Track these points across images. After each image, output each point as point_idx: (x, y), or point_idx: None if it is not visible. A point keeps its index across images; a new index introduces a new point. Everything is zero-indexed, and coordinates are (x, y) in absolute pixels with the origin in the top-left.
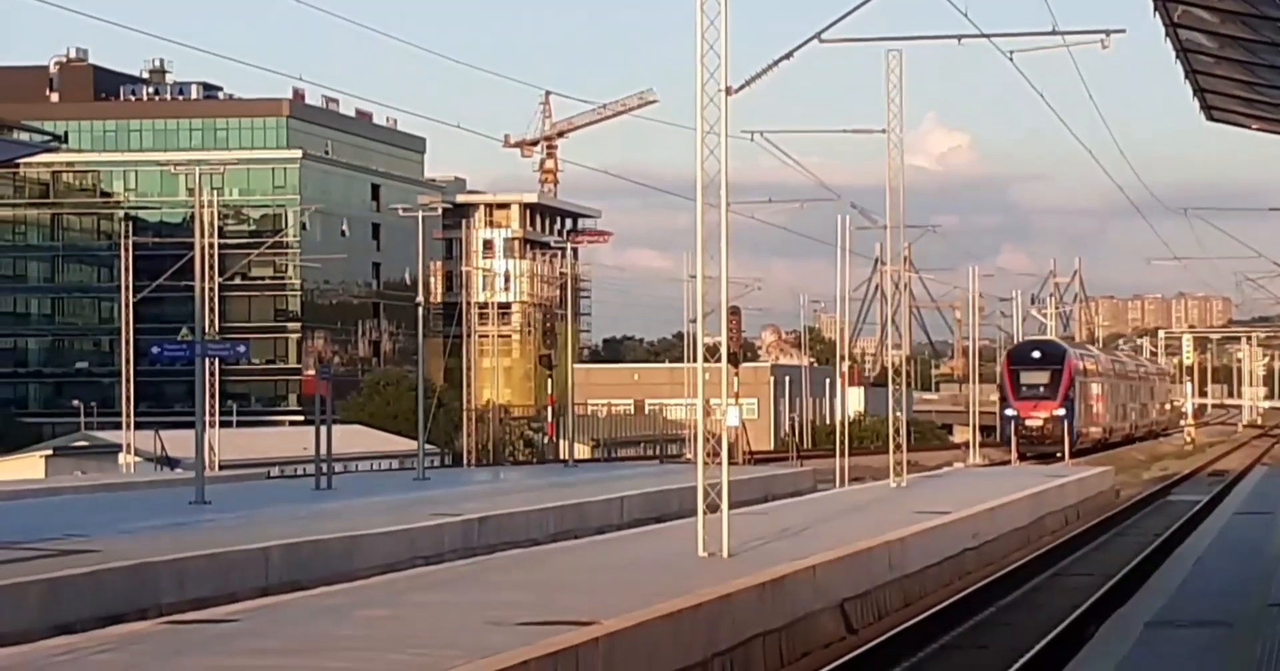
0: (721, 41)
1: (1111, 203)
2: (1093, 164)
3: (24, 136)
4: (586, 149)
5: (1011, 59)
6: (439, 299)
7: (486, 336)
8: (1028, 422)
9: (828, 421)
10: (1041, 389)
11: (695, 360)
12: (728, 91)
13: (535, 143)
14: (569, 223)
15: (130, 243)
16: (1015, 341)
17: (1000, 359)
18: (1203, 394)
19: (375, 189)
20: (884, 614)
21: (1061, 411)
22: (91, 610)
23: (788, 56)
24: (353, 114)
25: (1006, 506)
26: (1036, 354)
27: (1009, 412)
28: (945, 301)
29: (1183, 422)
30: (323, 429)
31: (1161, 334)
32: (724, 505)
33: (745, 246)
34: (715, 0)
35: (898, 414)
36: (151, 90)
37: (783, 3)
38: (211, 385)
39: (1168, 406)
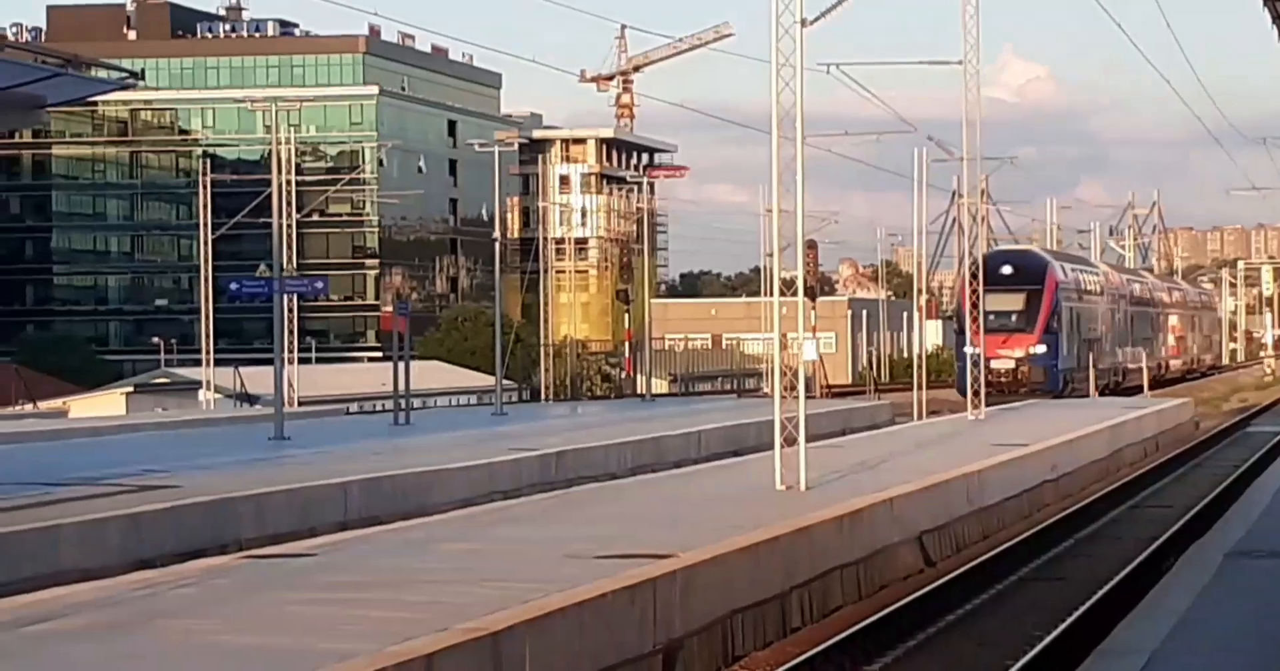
0: None
1: (1191, 133)
2: (1172, 95)
3: (101, 74)
4: (663, 83)
5: None
6: (516, 235)
7: (564, 272)
8: (994, 364)
9: (905, 355)
10: (1014, 317)
11: (772, 294)
12: (803, 23)
13: (611, 77)
14: (645, 157)
15: (208, 180)
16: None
17: (957, 277)
18: None
19: (452, 125)
20: (962, 546)
21: (1041, 348)
22: (172, 545)
23: None
24: (429, 50)
25: (1085, 438)
26: (1007, 269)
27: (969, 350)
28: (1023, 234)
29: (1263, 354)
30: (400, 365)
31: (1241, 264)
32: (801, 438)
33: (822, 180)
34: None
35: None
36: (228, 27)
37: None
38: (290, 322)
39: (1215, 340)
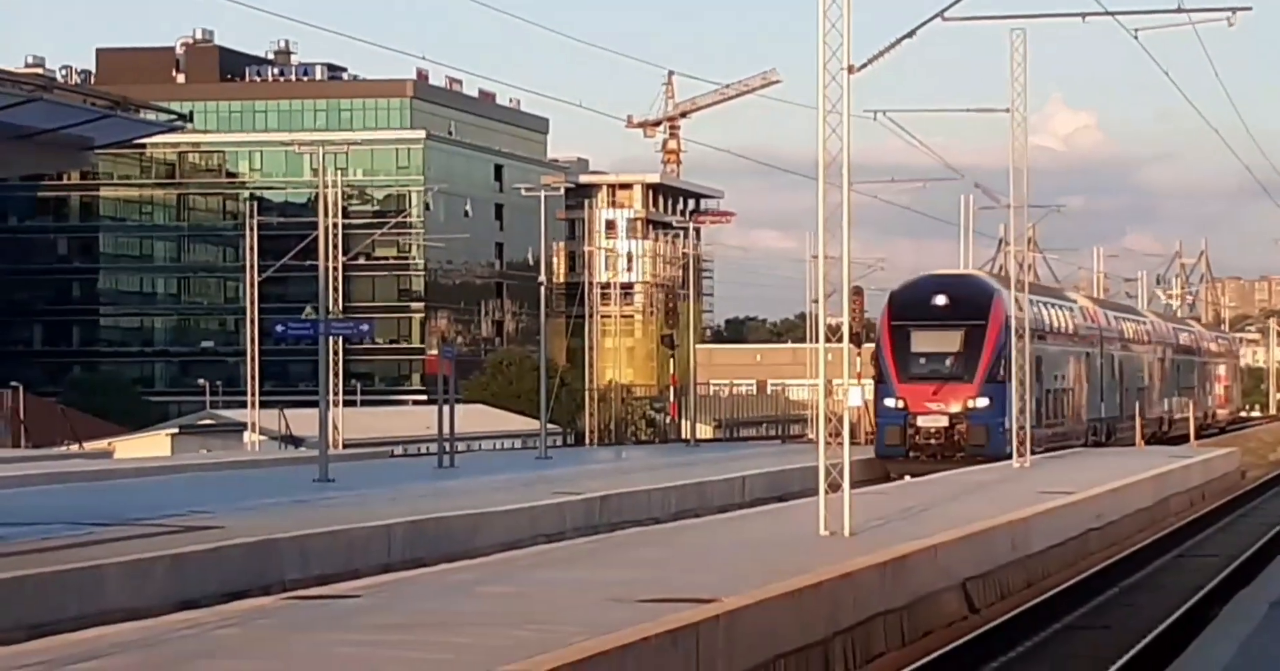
0: (844, 19)
1: (1239, 183)
2: (1220, 145)
3: (149, 116)
4: (709, 129)
5: (1136, 37)
6: (562, 279)
7: (609, 316)
8: (922, 421)
9: None
10: (947, 362)
11: (817, 340)
12: (850, 70)
13: (658, 123)
14: (692, 203)
15: (255, 222)
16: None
17: (883, 312)
18: None
19: (498, 169)
20: (1006, 594)
21: (982, 401)
22: (215, 586)
23: (910, 35)
24: (476, 94)
25: (1130, 487)
26: (940, 299)
27: (889, 404)
28: (1070, 282)
29: None
30: (445, 408)
31: None
32: (845, 484)
33: (868, 226)
34: None
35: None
36: (276, 71)
37: None
38: (335, 364)
39: (1235, 392)
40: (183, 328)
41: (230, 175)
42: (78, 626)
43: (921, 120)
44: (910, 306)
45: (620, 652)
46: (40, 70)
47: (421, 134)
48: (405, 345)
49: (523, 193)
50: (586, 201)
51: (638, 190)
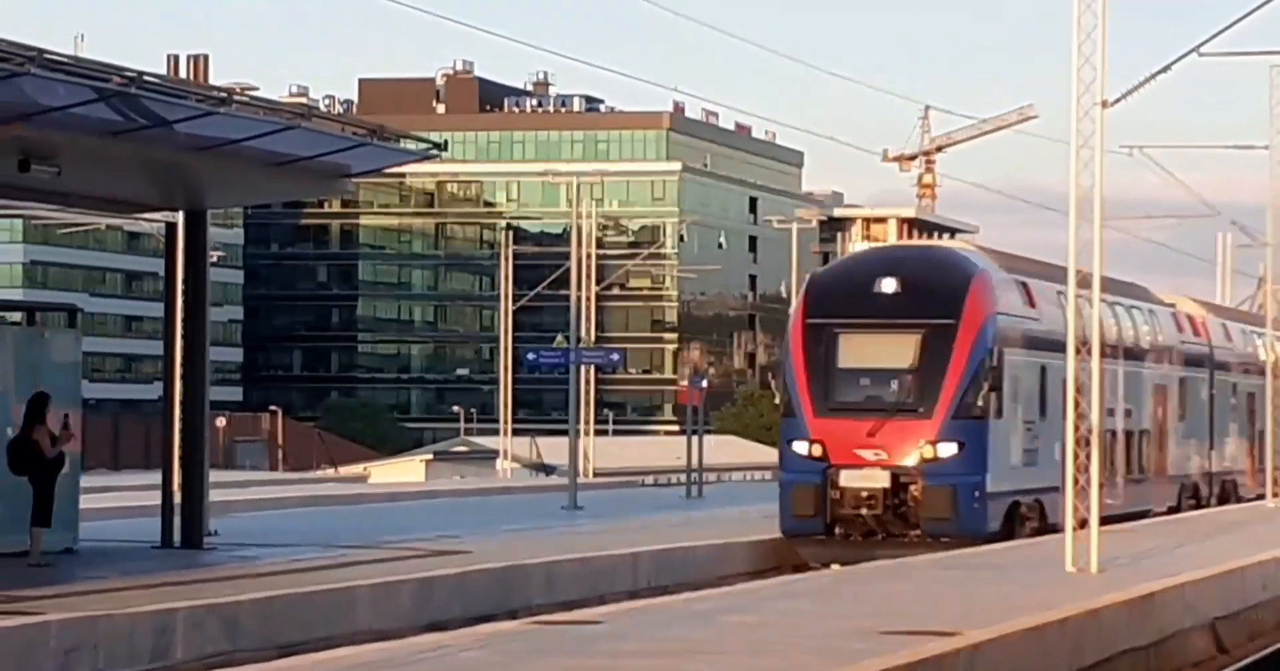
0: (1098, 54)
1: None
2: None
3: (407, 145)
4: (965, 163)
5: None
6: None
7: None
8: (847, 479)
9: None
10: (894, 384)
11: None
12: (1104, 105)
13: (914, 157)
14: (947, 237)
15: (511, 252)
16: None
17: (796, 306)
18: None
19: (753, 201)
20: (1257, 634)
21: (949, 448)
22: (461, 609)
23: (1165, 69)
24: (732, 127)
25: None
26: (889, 283)
27: (798, 450)
28: None
29: None
30: (695, 439)
31: None
32: (1093, 520)
33: (1124, 263)
34: (1092, 13)
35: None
36: (534, 102)
37: (1161, 15)
38: (588, 393)
39: None
40: (439, 355)
41: (487, 204)
42: (326, 646)
43: (1177, 155)
44: (838, 296)
45: None
46: (303, 99)
47: (677, 166)
48: (658, 375)
49: (776, 225)
50: (840, 234)
51: (892, 224)
